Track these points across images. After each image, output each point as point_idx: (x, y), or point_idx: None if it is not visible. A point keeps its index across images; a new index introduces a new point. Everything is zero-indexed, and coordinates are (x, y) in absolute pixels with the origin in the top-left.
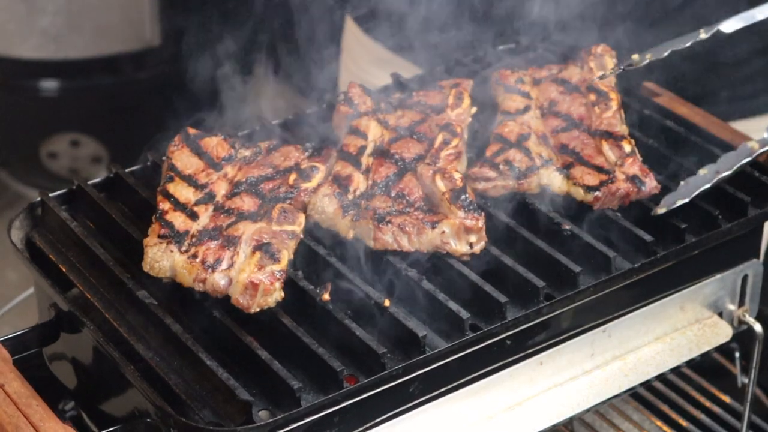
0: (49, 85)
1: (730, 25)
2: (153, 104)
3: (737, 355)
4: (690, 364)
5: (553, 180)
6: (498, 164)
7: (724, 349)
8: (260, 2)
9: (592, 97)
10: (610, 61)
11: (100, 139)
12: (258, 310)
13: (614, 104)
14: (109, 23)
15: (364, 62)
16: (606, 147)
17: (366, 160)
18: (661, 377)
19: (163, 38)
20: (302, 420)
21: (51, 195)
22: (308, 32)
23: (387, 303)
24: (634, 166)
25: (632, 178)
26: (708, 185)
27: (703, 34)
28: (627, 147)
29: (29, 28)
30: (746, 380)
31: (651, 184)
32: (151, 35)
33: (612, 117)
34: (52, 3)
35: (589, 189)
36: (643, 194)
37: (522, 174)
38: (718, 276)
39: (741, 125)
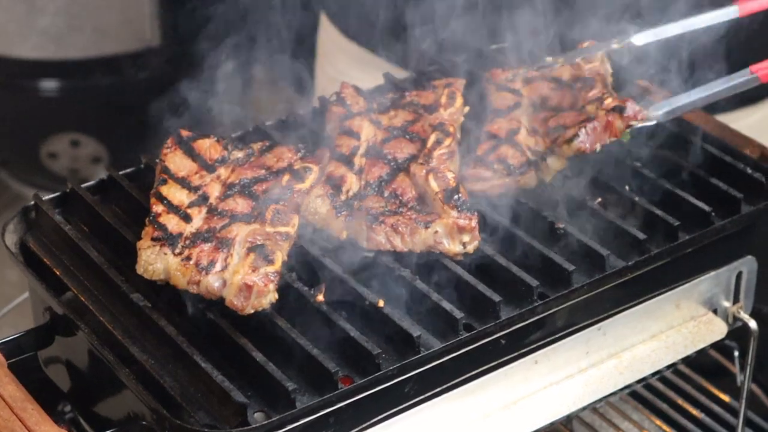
0: (49, 85)
1: (641, 38)
2: (153, 104)
3: (736, 354)
4: (685, 361)
5: (552, 165)
6: (492, 162)
7: (722, 348)
8: (257, 3)
9: (578, 84)
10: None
11: (100, 139)
12: (252, 311)
13: (598, 84)
14: (109, 23)
15: (341, 64)
16: (589, 107)
17: (359, 160)
18: (658, 375)
19: (163, 38)
20: (297, 421)
21: (44, 198)
22: (282, 34)
23: (381, 303)
24: (613, 102)
25: (612, 109)
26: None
27: (616, 45)
28: (607, 95)
29: (29, 28)
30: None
31: (633, 107)
32: (151, 35)
33: (598, 92)
34: (52, 3)
35: (571, 140)
36: (628, 119)
37: (517, 170)
38: (713, 273)
39: (724, 117)
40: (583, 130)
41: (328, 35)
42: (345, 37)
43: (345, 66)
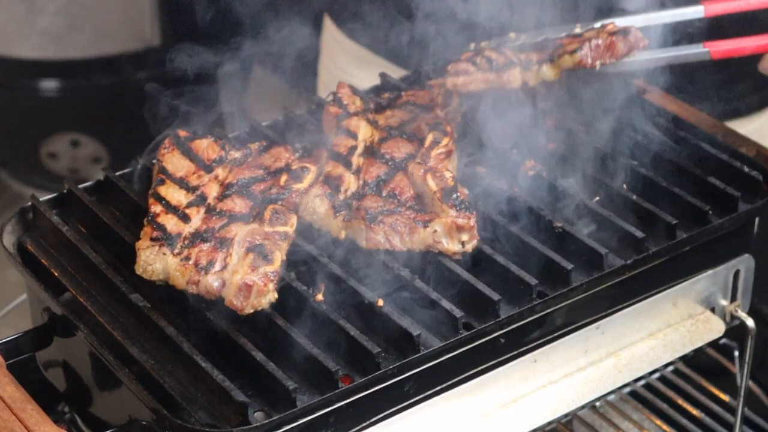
0: (49, 85)
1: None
2: (153, 104)
3: (736, 354)
4: (683, 359)
5: (546, 74)
6: (475, 59)
7: (722, 348)
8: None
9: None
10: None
11: (100, 139)
12: (252, 311)
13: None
14: (109, 23)
15: (343, 63)
16: (587, 33)
17: (356, 160)
18: (658, 374)
19: (163, 38)
20: (298, 420)
21: (42, 199)
22: (287, 34)
23: (380, 302)
24: (616, 28)
25: (616, 32)
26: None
27: (578, 29)
28: (610, 24)
29: (29, 28)
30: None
31: (636, 34)
32: (151, 35)
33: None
34: (52, 3)
35: (574, 51)
36: (630, 44)
37: (501, 67)
38: (710, 272)
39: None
40: (587, 43)
41: (331, 35)
42: (346, 37)
43: (347, 65)
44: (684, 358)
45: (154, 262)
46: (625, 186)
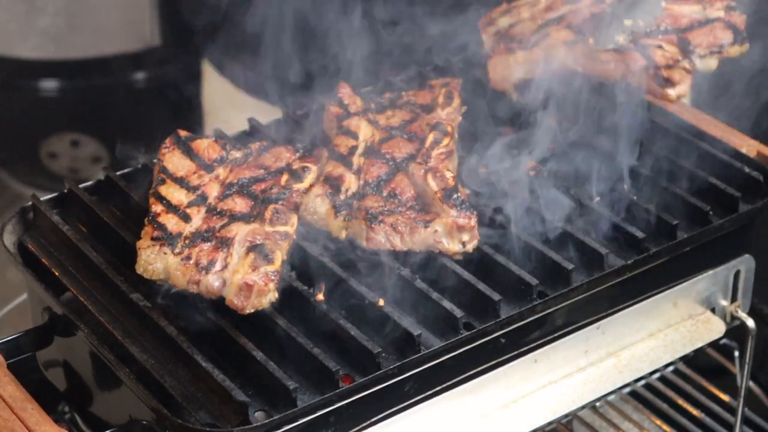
0: (49, 85)
1: None
2: (153, 104)
3: (736, 354)
4: (684, 359)
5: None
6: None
7: (723, 348)
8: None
9: None
10: None
11: (100, 139)
12: (252, 311)
13: None
14: (109, 23)
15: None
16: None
17: (357, 160)
18: (658, 374)
19: (163, 38)
20: (298, 420)
21: (42, 199)
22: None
23: (381, 302)
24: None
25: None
26: None
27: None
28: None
29: (29, 28)
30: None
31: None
32: (151, 35)
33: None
34: (52, 3)
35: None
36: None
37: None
38: (711, 272)
39: None
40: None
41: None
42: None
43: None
44: (684, 359)
45: (155, 261)
46: (625, 186)
